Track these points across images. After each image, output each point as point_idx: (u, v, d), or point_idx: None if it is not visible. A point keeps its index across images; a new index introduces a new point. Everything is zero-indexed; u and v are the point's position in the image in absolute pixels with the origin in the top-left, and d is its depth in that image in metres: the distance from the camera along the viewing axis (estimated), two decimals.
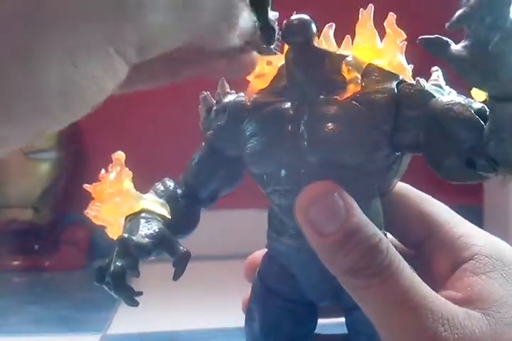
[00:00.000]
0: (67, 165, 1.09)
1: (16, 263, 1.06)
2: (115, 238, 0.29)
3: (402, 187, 0.30)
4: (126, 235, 0.27)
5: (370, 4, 0.28)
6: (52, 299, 0.85)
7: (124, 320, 0.74)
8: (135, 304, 0.27)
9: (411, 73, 0.27)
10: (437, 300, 0.24)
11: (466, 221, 0.29)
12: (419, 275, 0.26)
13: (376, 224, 0.26)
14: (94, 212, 0.30)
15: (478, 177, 0.25)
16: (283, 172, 0.26)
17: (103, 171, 0.31)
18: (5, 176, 1.05)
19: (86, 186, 0.31)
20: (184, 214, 0.30)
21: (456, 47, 0.22)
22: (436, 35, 0.22)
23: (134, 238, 0.27)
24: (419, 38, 0.23)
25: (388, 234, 0.28)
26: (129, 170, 0.33)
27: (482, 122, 0.24)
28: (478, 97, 0.25)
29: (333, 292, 0.27)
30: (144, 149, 1.13)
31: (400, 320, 0.24)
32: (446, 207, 0.30)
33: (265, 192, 0.28)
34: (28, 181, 1.06)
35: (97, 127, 1.17)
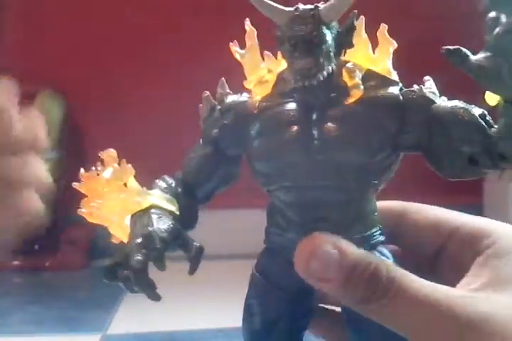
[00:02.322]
0: (67, 165, 1.09)
1: (16, 263, 1.06)
2: (120, 235, 0.29)
3: (407, 205, 0.33)
4: (150, 228, 0.27)
5: (362, 16, 0.29)
6: (53, 299, 0.85)
7: (124, 320, 0.74)
8: (157, 298, 0.28)
9: (397, 78, 0.29)
10: (450, 292, 0.26)
11: (476, 216, 0.31)
12: (445, 277, 0.29)
13: (373, 219, 0.29)
14: (91, 210, 0.30)
15: (478, 173, 0.27)
16: (291, 169, 0.28)
17: (82, 170, 0.31)
18: None
19: (75, 184, 0.31)
20: (186, 211, 0.30)
21: (477, 58, 0.25)
22: (458, 46, 0.25)
23: (157, 231, 0.27)
24: (443, 47, 0.25)
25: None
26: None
27: (485, 124, 0.26)
28: (491, 101, 0.27)
29: None
30: (144, 149, 1.13)
31: (424, 323, 0.26)
32: (448, 210, 0.32)
33: (269, 189, 0.29)
34: None
35: (97, 127, 1.17)
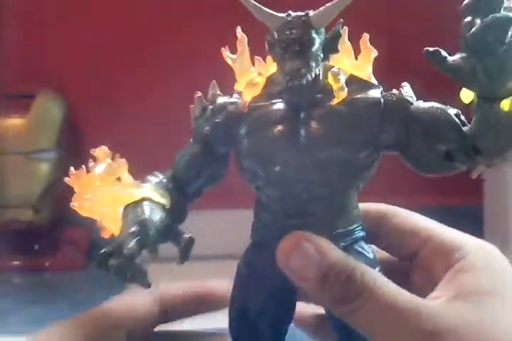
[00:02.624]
0: (67, 165, 1.09)
1: (16, 263, 1.06)
2: (112, 227, 0.31)
3: (389, 208, 0.35)
4: (147, 216, 0.29)
5: (345, 27, 0.31)
6: (53, 299, 0.85)
7: None
8: (147, 284, 0.29)
9: (376, 83, 0.32)
10: (420, 302, 0.27)
11: (450, 228, 0.33)
12: (417, 283, 0.31)
13: (355, 215, 0.31)
14: (83, 204, 0.31)
15: (454, 168, 0.29)
16: (278, 166, 0.29)
17: (72, 169, 0.32)
18: (5, 176, 1.05)
19: (67, 179, 0.32)
20: (178, 205, 0.32)
21: (454, 58, 0.27)
22: (437, 48, 0.27)
23: (151, 220, 0.29)
24: (425, 49, 0.27)
25: (374, 246, 0.32)
26: (129, 167, 0.34)
27: (459, 123, 0.28)
28: (466, 99, 0.29)
29: None
30: (144, 149, 1.13)
31: (390, 329, 0.27)
32: (430, 219, 0.34)
33: (257, 186, 0.31)
34: (28, 181, 1.05)
35: (97, 127, 1.17)
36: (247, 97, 0.32)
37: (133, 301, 0.34)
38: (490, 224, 1.02)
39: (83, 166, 0.32)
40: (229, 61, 0.33)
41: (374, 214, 0.34)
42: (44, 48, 1.18)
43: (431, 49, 0.27)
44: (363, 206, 0.32)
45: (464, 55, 0.26)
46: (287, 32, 0.29)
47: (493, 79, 0.26)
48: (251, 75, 0.32)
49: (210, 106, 0.33)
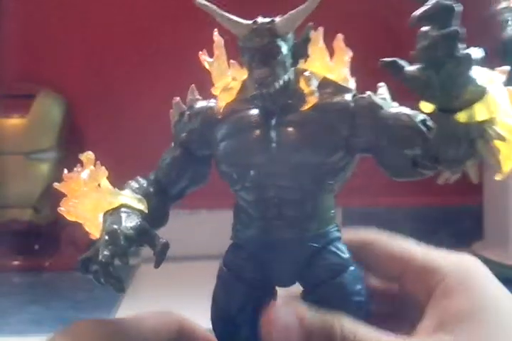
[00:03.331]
0: (67, 165, 1.09)
1: (15, 263, 1.06)
2: (94, 232, 0.32)
3: (369, 236, 0.35)
4: (116, 226, 0.30)
5: (320, 27, 0.32)
6: (52, 299, 0.85)
7: None
8: (122, 290, 0.30)
9: (354, 84, 0.32)
10: None
11: (433, 248, 0.33)
12: (406, 308, 0.32)
13: (329, 217, 0.32)
14: (69, 208, 0.33)
15: (419, 174, 0.29)
16: (252, 170, 0.30)
17: (66, 171, 0.34)
18: (5, 176, 1.05)
19: (56, 185, 0.33)
20: (158, 209, 0.33)
21: (410, 69, 0.27)
22: (394, 59, 0.27)
23: (122, 229, 0.30)
24: (380, 60, 0.27)
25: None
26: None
27: (424, 130, 0.28)
28: (426, 109, 0.29)
29: (297, 272, 0.31)
30: (144, 149, 1.13)
31: None
32: (413, 241, 0.35)
33: (234, 189, 0.32)
34: (28, 181, 1.05)
35: (97, 127, 1.17)
36: (222, 102, 0.32)
37: (157, 325, 0.34)
38: (490, 224, 1.02)
39: (75, 170, 0.33)
40: (206, 65, 0.33)
41: (356, 245, 0.34)
42: (44, 48, 1.18)
43: (388, 59, 0.27)
44: (347, 236, 0.33)
45: (420, 65, 0.27)
46: (253, 40, 0.29)
47: (447, 91, 0.26)
48: (227, 79, 0.33)
49: (188, 112, 0.34)
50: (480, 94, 0.26)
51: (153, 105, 1.20)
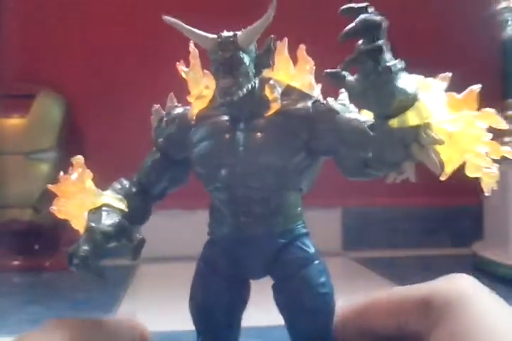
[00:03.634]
0: (67, 165, 1.09)
1: (16, 263, 1.06)
2: (80, 229, 0.35)
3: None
4: (93, 224, 0.34)
5: (285, 37, 0.34)
6: (52, 299, 0.84)
7: None
8: (101, 282, 0.33)
9: (319, 91, 0.34)
10: None
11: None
12: None
13: (295, 214, 0.34)
14: (59, 208, 0.35)
15: (370, 175, 0.32)
16: (223, 171, 0.33)
17: (62, 173, 0.36)
18: (5, 176, 1.05)
19: (50, 186, 0.36)
20: (138, 208, 0.36)
21: (350, 79, 0.30)
22: (337, 70, 0.30)
23: (99, 226, 0.33)
24: (324, 71, 0.30)
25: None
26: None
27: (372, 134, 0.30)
28: (368, 115, 0.32)
29: (267, 266, 0.34)
30: (144, 148, 1.13)
31: None
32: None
33: (208, 189, 0.35)
34: (28, 181, 1.05)
35: (97, 127, 1.17)
36: (195, 109, 0.35)
37: (118, 327, 0.34)
38: (490, 224, 1.02)
39: (69, 172, 0.36)
40: (183, 74, 0.36)
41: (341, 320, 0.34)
42: (44, 48, 1.18)
43: (331, 70, 0.29)
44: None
45: (359, 77, 0.29)
46: (218, 53, 0.32)
47: (376, 100, 0.29)
48: (201, 88, 0.36)
49: (165, 118, 0.37)
50: (411, 101, 0.29)
51: (153, 105, 1.20)
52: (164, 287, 0.90)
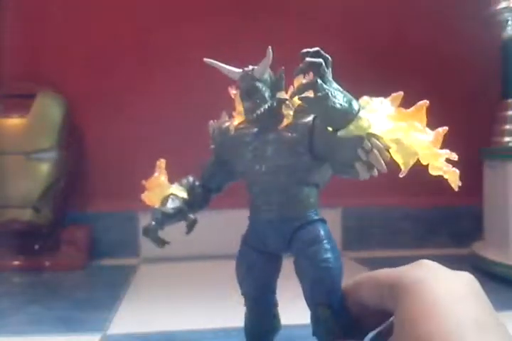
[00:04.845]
0: (67, 165, 1.09)
1: (16, 263, 1.06)
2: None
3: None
4: (156, 206, 0.48)
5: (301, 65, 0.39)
6: (53, 299, 0.85)
7: (124, 320, 0.74)
8: (161, 246, 0.47)
9: None
10: None
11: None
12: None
13: (308, 203, 0.43)
14: (145, 197, 0.49)
15: (356, 174, 0.37)
16: (251, 171, 0.44)
17: (156, 174, 0.50)
18: (5, 176, 1.05)
19: (143, 182, 0.50)
20: (198, 197, 0.49)
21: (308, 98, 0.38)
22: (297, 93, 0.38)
23: (161, 209, 0.47)
24: (295, 89, 0.39)
25: None
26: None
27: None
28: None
29: (285, 244, 0.43)
30: (144, 148, 1.13)
31: None
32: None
33: (246, 185, 0.45)
34: (28, 181, 1.05)
35: (97, 127, 1.17)
36: (235, 122, 0.46)
37: None
38: (490, 224, 1.02)
39: (155, 174, 0.50)
40: (232, 95, 0.46)
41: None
42: (44, 48, 1.18)
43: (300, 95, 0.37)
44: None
45: (310, 98, 0.37)
46: (241, 83, 0.43)
47: (324, 117, 0.38)
48: (241, 107, 0.45)
49: (216, 131, 0.47)
50: (350, 116, 0.36)
51: (154, 105, 1.20)
52: (164, 287, 0.90)
